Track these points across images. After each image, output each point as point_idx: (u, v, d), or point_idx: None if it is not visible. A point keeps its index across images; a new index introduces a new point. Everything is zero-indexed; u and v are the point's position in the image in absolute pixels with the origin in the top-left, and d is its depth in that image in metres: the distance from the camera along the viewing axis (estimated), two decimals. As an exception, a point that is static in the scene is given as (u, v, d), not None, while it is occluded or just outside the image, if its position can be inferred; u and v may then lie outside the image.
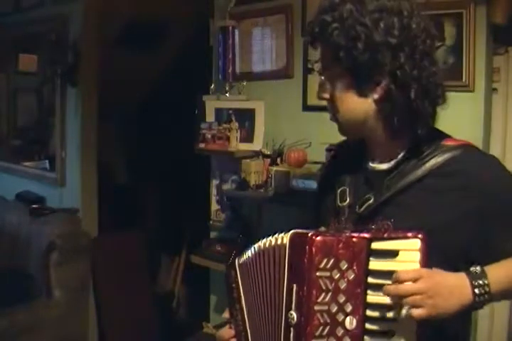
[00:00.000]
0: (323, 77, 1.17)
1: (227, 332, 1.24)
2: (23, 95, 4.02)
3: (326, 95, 1.17)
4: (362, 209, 1.13)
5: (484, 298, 0.98)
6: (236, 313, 1.21)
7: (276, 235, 1.11)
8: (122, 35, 3.69)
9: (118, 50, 3.66)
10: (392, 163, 1.14)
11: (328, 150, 2.23)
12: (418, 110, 1.08)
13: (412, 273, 0.95)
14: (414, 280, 0.95)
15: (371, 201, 1.12)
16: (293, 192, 2.29)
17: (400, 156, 1.14)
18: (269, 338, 1.10)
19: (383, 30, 1.04)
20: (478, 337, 2.13)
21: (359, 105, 1.11)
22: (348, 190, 1.18)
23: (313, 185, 2.22)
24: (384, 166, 1.16)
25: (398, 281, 0.95)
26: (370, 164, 1.19)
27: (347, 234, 1.02)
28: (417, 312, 0.94)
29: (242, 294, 1.19)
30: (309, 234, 1.02)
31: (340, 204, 1.18)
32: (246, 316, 1.18)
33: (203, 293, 2.99)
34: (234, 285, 1.21)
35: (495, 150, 2.11)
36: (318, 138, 2.38)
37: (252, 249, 1.17)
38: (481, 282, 0.98)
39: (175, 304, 4.06)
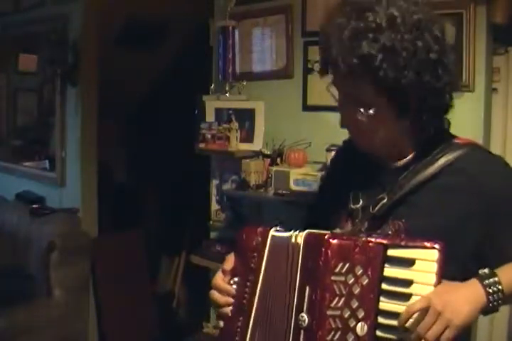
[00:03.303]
0: (350, 109, 1.08)
1: (226, 299, 1.16)
2: (23, 95, 4.02)
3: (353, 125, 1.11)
4: (376, 209, 1.12)
5: (498, 296, 0.98)
6: (245, 277, 1.14)
7: (290, 232, 1.08)
8: (122, 35, 3.69)
9: (118, 50, 3.66)
10: (404, 161, 1.14)
11: (329, 150, 2.23)
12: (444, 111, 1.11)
13: (419, 304, 0.94)
14: (426, 309, 0.93)
15: (385, 201, 1.11)
16: (293, 192, 2.29)
17: (411, 155, 1.14)
18: (274, 332, 1.07)
19: (424, 49, 1.01)
20: (478, 337, 2.13)
21: (392, 130, 1.10)
22: (360, 191, 1.17)
23: (313, 185, 2.23)
24: (396, 165, 1.15)
25: (411, 315, 0.93)
26: (381, 163, 1.18)
27: (363, 239, 1.00)
28: (445, 337, 0.93)
29: (262, 269, 1.12)
30: (326, 237, 1.00)
31: (353, 206, 1.17)
32: (257, 295, 1.11)
33: (203, 293, 2.97)
34: (255, 254, 1.13)
35: (495, 151, 2.10)
36: (318, 138, 2.38)
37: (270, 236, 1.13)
38: (491, 280, 0.98)
39: (175, 304, 4.06)
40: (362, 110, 1.06)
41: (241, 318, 1.13)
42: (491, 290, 0.97)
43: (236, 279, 1.16)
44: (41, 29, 3.46)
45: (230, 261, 1.19)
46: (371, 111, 1.06)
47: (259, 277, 1.12)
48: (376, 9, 1.01)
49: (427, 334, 0.93)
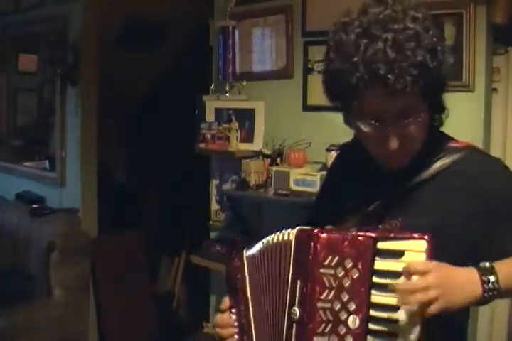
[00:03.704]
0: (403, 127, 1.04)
1: (228, 331, 1.22)
2: (23, 95, 4.02)
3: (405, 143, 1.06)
4: (370, 208, 1.12)
5: (493, 293, 0.98)
6: (239, 305, 1.19)
7: (282, 231, 1.11)
8: (122, 35, 3.69)
9: (118, 50, 3.66)
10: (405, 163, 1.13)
11: (329, 150, 2.24)
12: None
13: (421, 265, 0.94)
14: (423, 274, 0.93)
15: (380, 200, 1.12)
16: (293, 192, 2.29)
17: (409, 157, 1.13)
18: (272, 333, 1.09)
19: (443, 38, 1.04)
20: (478, 337, 2.13)
21: (426, 129, 1.09)
22: (358, 191, 1.17)
23: (313, 185, 2.23)
24: (394, 167, 1.14)
25: (408, 273, 0.94)
26: (379, 163, 1.17)
27: (353, 233, 1.01)
28: (428, 309, 0.92)
29: (247, 286, 1.18)
30: (315, 231, 1.02)
31: (348, 203, 1.17)
32: (251, 308, 1.16)
33: (203, 293, 2.99)
34: (239, 275, 1.19)
35: (495, 150, 2.11)
36: (318, 138, 2.38)
37: (259, 244, 1.16)
38: (490, 278, 0.98)
39: (175, 304, 4.06)
40: (411, 119, 1.03)
41: (245, 337, 1.17)
42: (487, 287, 0.97)
43: (233, 310, 1.22)
44: (41, 29, 3.46)
45: (225, 299, 1.24)
46: (420, 117, 1.04)
47: (246, 293, 1.17)
48: (395, 17, 0.99)
49: (412, 296, 0.91)
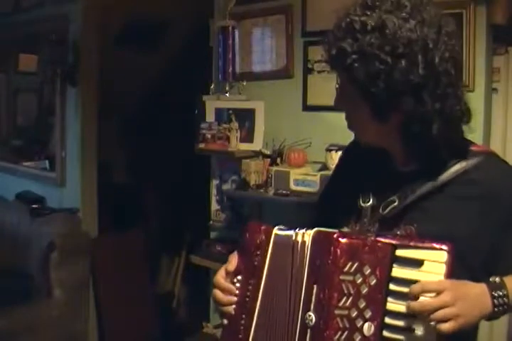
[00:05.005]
0: (340, 95, 1.11)
1: (229, 298, 1.16)
2: (23, 95, 4.02)
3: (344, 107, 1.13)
4: (386, 211, 1.10)
5: (503, 308, 0.98)
6: (248, 279, 1.14)
7: (296, 230, 1.08)
8: (122, 35, 3.69)
9: (118, 50, 3.66)
10: (417, 165, 1.11)
11: (329, 150, 2.24)
12: (441, 139, 1.04)
13: (435, 285, 0.94)
14: (439, 293, 0.93)
15: (396, 204, 1.10)
16: (293, 192, 2.29)
17: (424, 159, 1.11)
18: (280, 331, 1.06)
19: (405, 69, 0.97)
20: (478, 337, 2.13)
21: (375, 129, 1.09)
22: (370, 191, 1.14)
23: (313, 185, 2.23)
24: (408, 168, 1.12)
25: (423, 291, 0.93)
26: (394, 164, 1.16)
27: (372, 238, 1.00)
28: (445, 326, 0.92)
29: (265, 268, 1.12)
30: (335, 235, 1.00)
31: (362, 204, 1.14)
32: (260, 293, 1.11)
33: (203, 293, 2.99)
34: (259, 252, 1.13)
35: (495, 150, 2.11)
36: (318, 138, 2.39)
37: (274, 234, 1.12)
38: (500, 293, 0.98)
39: (175, 304, 4.06)
40: (347, 107, 1.11)
41: (244, 316, 1.13)
42: (497, 302, 0.98)
43: (239, 278, 1.17)
44: (41, 29, 3.46)
45: (233, 261, 1.19)
46: (355, 113, 1.10)
47: (262, 275, 1.12)
48: (374, 11, 0.99)
49: (434, 315, 0.92)
